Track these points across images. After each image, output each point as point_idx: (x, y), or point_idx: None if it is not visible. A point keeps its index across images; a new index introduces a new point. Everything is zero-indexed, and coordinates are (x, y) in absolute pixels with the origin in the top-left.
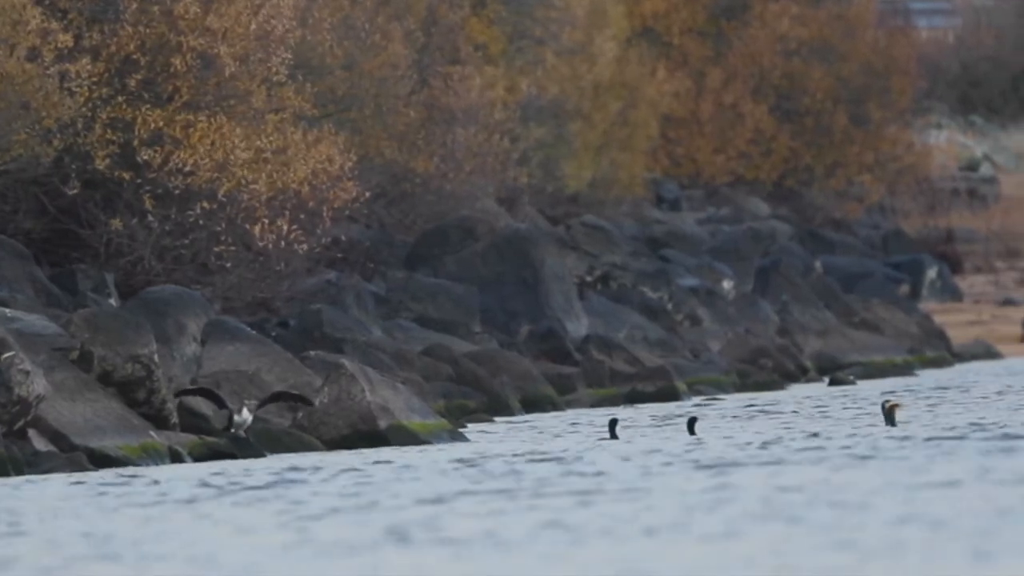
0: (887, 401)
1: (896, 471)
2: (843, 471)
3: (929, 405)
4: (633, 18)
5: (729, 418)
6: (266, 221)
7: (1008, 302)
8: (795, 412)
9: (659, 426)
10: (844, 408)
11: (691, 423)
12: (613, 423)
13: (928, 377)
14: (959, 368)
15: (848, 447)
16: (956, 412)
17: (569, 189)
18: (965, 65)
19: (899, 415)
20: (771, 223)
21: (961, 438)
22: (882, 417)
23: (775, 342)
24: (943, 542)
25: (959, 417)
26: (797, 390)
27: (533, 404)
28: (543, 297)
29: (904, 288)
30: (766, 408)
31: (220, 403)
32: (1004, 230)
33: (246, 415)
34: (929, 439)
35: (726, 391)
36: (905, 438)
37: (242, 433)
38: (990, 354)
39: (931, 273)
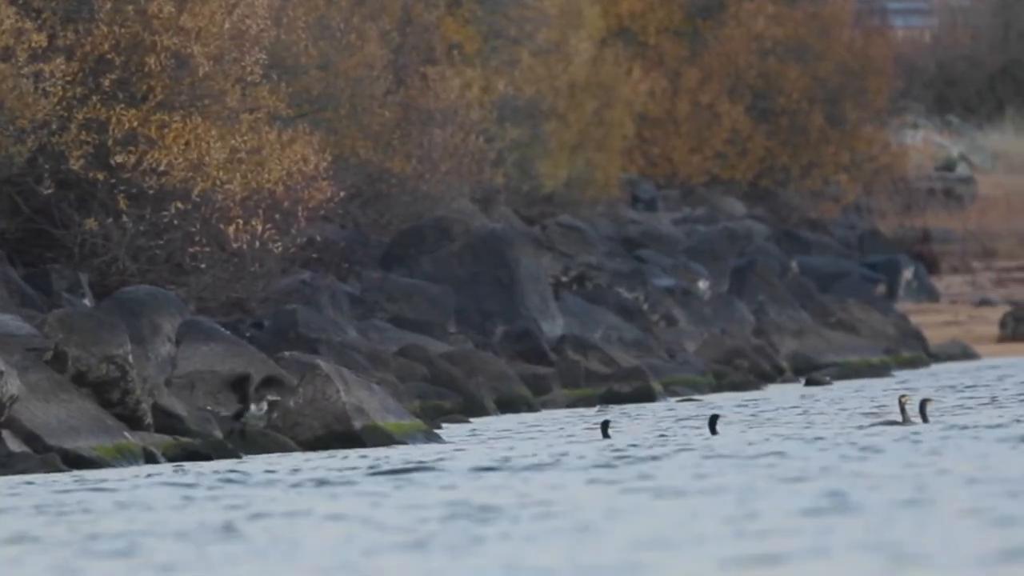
0: (903, 396)
1: None
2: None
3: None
4: (609, 18)
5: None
6: (241, 221)
7: (985, 302)
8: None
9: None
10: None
11: (713, 421)
12: (605, 424)
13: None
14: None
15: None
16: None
17: (545, 189)
18: (941, 65)
19: (929, 408)
20: (747, 223)
21: None
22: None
23: (751, 342)
24: None
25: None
26: (773, 391)
27: (508, 405)
28: (518, 297)
29: (880, 288)
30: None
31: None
32: (980, 230)
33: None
34: None
35: (702, 392)
36: None
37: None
38: (967, 355)
39: (907, 273)
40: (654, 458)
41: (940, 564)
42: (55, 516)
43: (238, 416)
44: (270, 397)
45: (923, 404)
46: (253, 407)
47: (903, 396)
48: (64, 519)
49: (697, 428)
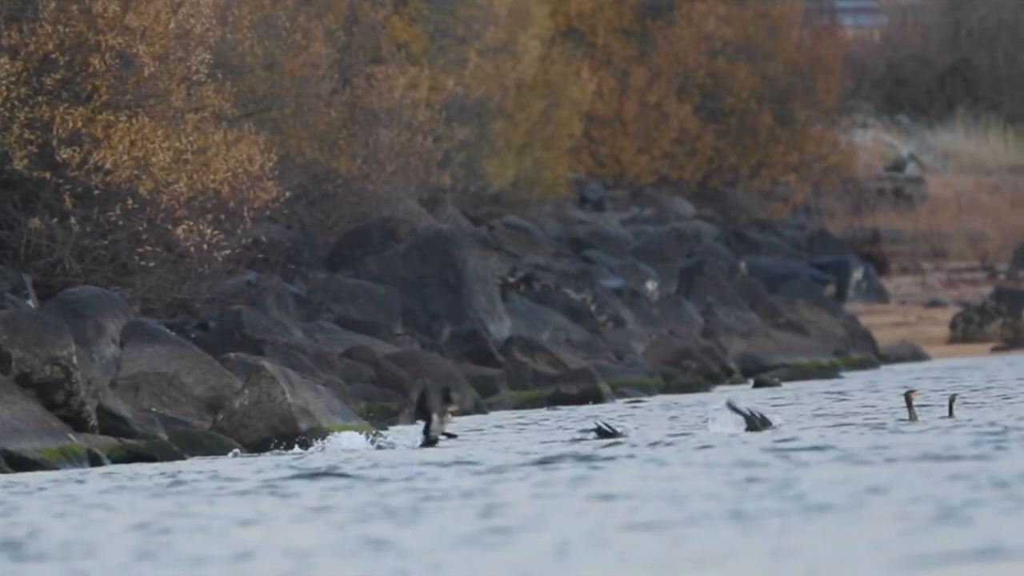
0: (912, 391)
1: None
2: None
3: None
4: (557, 17)
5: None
6: (189, 223)
7: (934, 303)
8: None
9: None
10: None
11: (908, 397)
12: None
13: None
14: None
15: None
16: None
17: (492, 189)
18: (891, 64)
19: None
20: (695, 224)
21: None
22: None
23: (699, 344)
24: None
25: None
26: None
27: None
28: (465, 298)
29: (830, 289)
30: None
31: (424, 408)
32: (930, 231)
33: (436, 420)
34: None
35: (650, 393)
36: None
37: (440, 438)
38: (917, 356)
39: (857, 274)
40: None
41: None
42: None
43: (426, 430)
44: (451, 408)
45: (952, 402)
46: (436, 418)
47: (911, 391)
48: None
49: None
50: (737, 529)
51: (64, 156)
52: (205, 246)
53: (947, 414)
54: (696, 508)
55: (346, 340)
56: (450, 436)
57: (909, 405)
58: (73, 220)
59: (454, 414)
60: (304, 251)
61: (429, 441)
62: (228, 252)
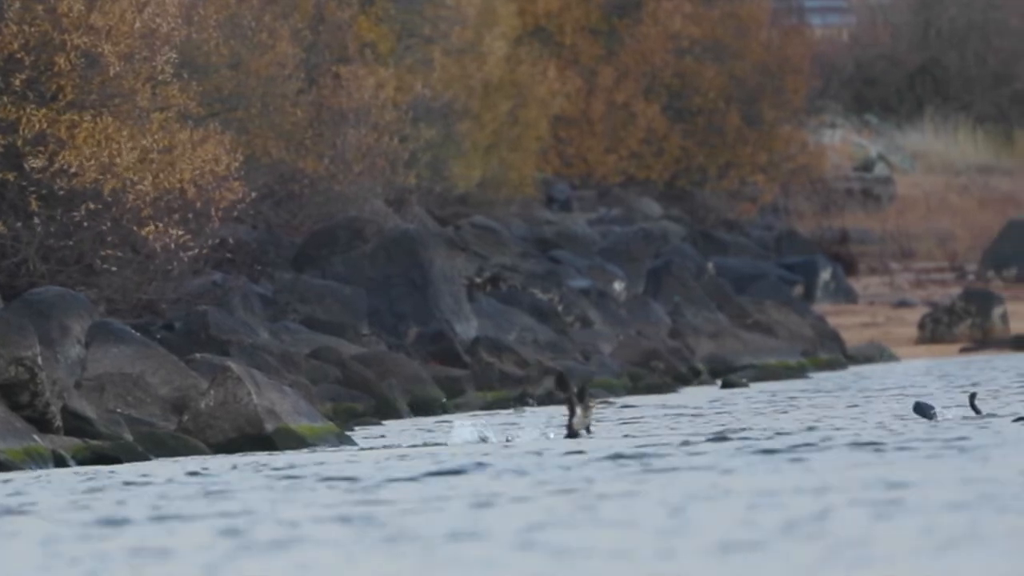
0: (975, 394)
1: None
2: None
3: None
4: (524, 16)
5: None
6: (155, 223)
7: (903, 304)
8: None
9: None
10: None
11: (971, 397)
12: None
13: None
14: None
15: None
16: None
17: (458, 189)
18: (860, 64)
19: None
20: (663, 224)
21: None
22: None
23: (667, 344)
24: None
25: None
26: (689, 393)
27: (422, 407)
28: (432, 299)
29: (798, 290)
30: None
31: (567, 397)
32: (899, 231)
33: (579, 413)
34: None
35: (617, 394)
36: None
37: (583, 432)
38: (885, 356)
39: (825, 274)
40: None
41: None
42: None
43: (570, 422)
44: (591, 403)
45: (973, 399)
46: (579, 412)
47: (974, 392)
48: None
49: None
50: None
51: (32, 163)
52: (172, 246)
53: (973, 412)
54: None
55: (312, 341)
56: (588, 430)
57: (972, 403)
58: (37, 221)
59: (595, 407)
60: (270, 251)
61: (572, 434)
62: (194, 252)
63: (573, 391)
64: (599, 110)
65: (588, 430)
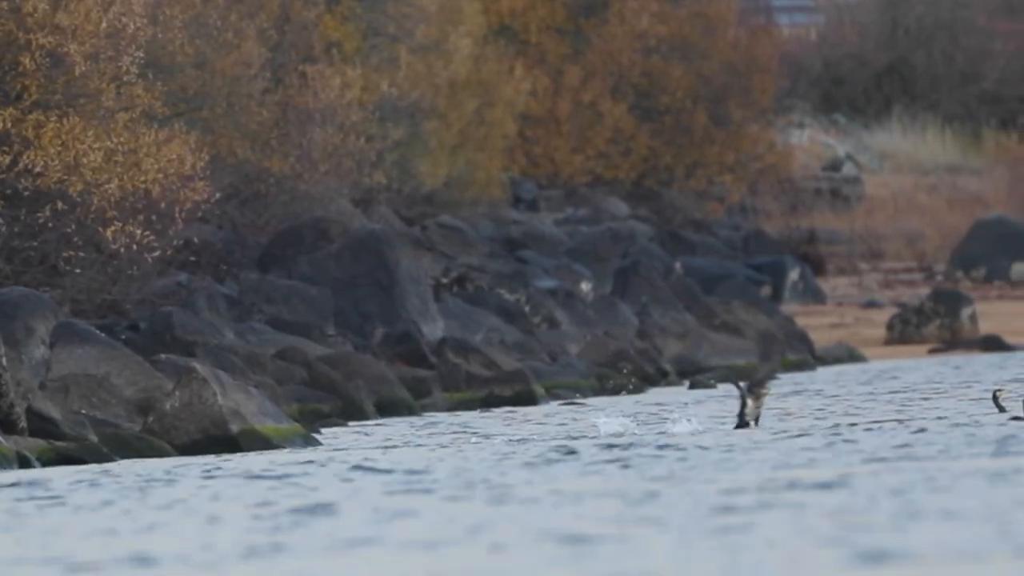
0: (999, 390)
1: None
2: None
3: None
4: (490, 15)
5: None
6: (119, 223)
7: (871, 304)
8: None
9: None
10: None
11: (995, 395)
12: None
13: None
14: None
15: None
16: None
17: (425, 189)
18: (828, 63)
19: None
20: (630, 224)
21: None
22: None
23: (634, 345)
24: None
25: None
26: (656, 394)
27: (388, 408)
28: (398, 299)
29: (766, 290)
30: None
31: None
32: (867, 231)
33: (750, 404)
34: None
35: (585, 395)
36: None
37: (751, 423)
38: (853, 357)
39: (793, 275)
40: None
41: None
42: None
43: (741, 412)
44: (765, 391)
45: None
46: (750, 403)
47: (999, 390)
48: None
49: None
50: None
51: None
52: (135, 246)
53: (998, 410)
54: None
55: (278, 341)
56: (757, 421)
57: (996, 401)
58: (1, 221)
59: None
60: (235, 252)
61: (743, 423)
62: (158, 253)
63: (742, 385)
64: (566, 110)
65: (757, 421)
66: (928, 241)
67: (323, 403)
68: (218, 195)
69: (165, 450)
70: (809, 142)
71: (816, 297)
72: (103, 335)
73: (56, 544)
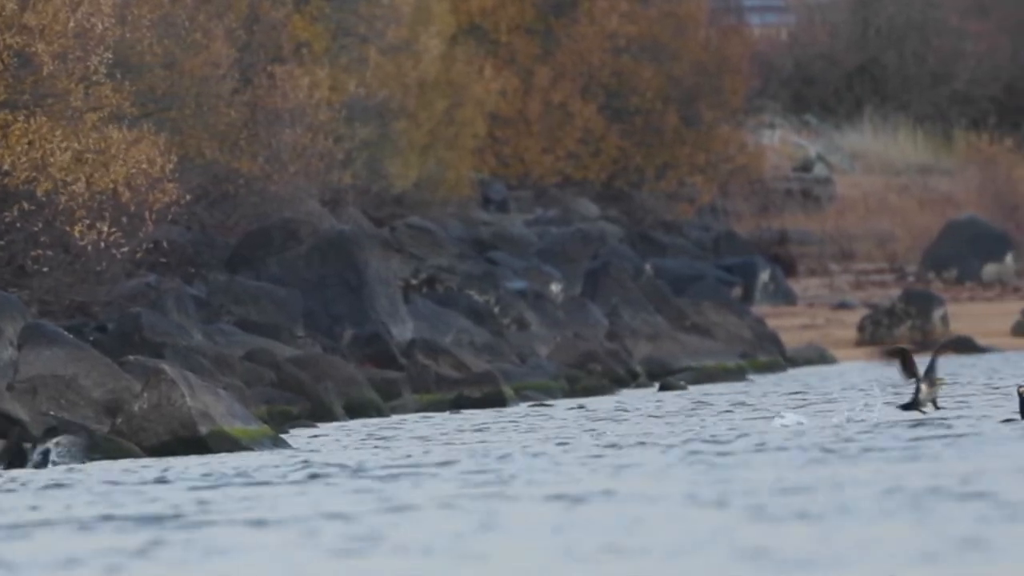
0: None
1: None
2: None
3: None
4: (459, 15)
5: None
6: (87, 222)
7: (843, 305)
8: None
9: None
10: None
11: (1020, 391)
12: None
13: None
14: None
15: None
16: None
17: (394, 190)
18: (799, 63)
19: None
20: (600, 225)
21: None
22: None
23: (604, 346)
24: None
25: None
26: (628, 395)
27: (357, 410)
28: (367, 300)
29: (736, 291)
30: None
31: (910, 371)
32: (839, 232)
33: (924, 390)
34: None
35: (554, 396)
36: None
37: (924, 410)
38: (824, 358)
39: (764, 276)
40: None
41: None
42: None
43: (915, 395)
44: (941, 378)
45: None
46: (924, 387)
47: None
48: None
49: None
50: None
51: None
52: (102, 245)
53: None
54: None
55: (246, 343)
56: (935, 404)
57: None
58: None
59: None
60: (204, 253)
61: (913, 404)
62: (126, 252)
63: (918, 371)
64: (536, 110)
65: (935, 404)
66: (899, 242)
67: (292, 405)
68: (188, 197)
69: (133, 452)
70: (780, 143)
71: (787, 298)
72: (71, 336)
73: None
